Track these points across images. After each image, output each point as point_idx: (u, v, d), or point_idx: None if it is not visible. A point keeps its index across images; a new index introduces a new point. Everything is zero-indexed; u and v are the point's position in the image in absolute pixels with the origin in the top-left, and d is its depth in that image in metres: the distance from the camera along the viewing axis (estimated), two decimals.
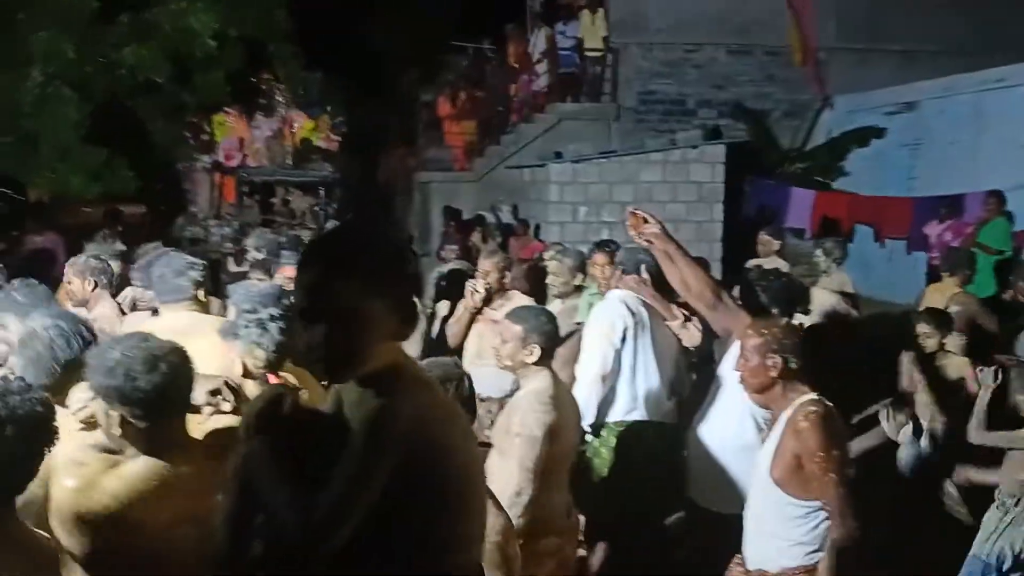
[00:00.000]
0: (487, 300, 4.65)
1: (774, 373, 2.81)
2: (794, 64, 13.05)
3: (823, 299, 5.04)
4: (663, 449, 3.70)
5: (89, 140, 9.88)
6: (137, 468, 2.00)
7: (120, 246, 6.31)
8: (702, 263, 3.53)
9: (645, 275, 3.91)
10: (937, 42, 13.22)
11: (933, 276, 6.98)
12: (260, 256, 5.89)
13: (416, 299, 1.79)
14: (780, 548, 2.77)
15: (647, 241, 3.48)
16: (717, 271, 9.65)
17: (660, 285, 3.86)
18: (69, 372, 2.26)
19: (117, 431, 1.98)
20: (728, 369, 3.41)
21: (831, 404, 2.77)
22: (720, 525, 3.24)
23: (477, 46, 15.85)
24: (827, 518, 2.69)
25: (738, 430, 3.32)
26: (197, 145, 13.96)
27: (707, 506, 3.36)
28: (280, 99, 14.77)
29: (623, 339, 3.77)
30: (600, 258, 4.79)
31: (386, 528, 1.57)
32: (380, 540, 1.58)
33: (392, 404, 1.58)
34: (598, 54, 13.01)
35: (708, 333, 3.84)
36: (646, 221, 3.44)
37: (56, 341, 2.29)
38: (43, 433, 1.79)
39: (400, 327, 1.66)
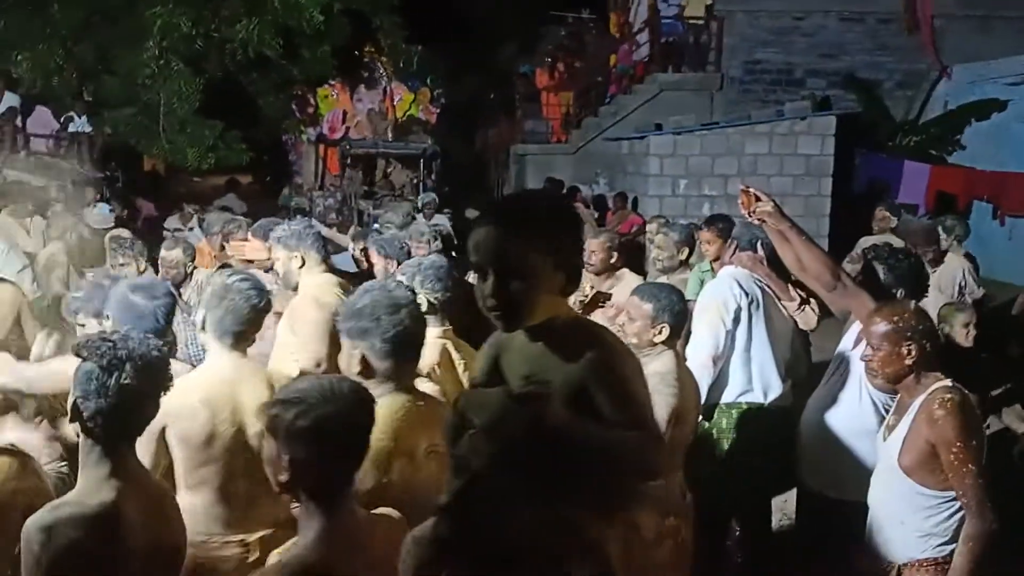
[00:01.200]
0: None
1: (910, 360, 2.68)
2: (909, 34, 12.45)
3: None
4: (777, 432, 3.63)
5: (203, 113, 10.27)
6: (383, 402, 2.12)
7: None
8: (813, 242, 3.40)
9: (761, 252, 3.82)
10: None
11: None
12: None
13: (578, 264, 1.91)
14: (908, 539, 2.68)
15: (759, 220, 3.39)
16: (825, 246, 9.39)
17: (774, 265, 3.76)
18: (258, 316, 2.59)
19: (357, 368, 2.15)
20: (846, 351, 3.33)
21: (966, 391, 2.65)
22: (833, 510, 3.18)
23: (577, 15, 15.69)
24: (960, 509, 2.58)
25: (856, 413, 3.23)
26: (303, 118, 14.32)
27: (820, 490, 3.30)
28: (382, 72, 15.00)
29: (736, 319, 3.69)
30: (707, 235, 4.70)
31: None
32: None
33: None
34: (701, 22, 12.71)
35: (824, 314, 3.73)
36: (758, 199, 3.34)
37: (249, 292, 2.55)
38: (159, 376, 1.93)
39: (566, 285, 1.83)
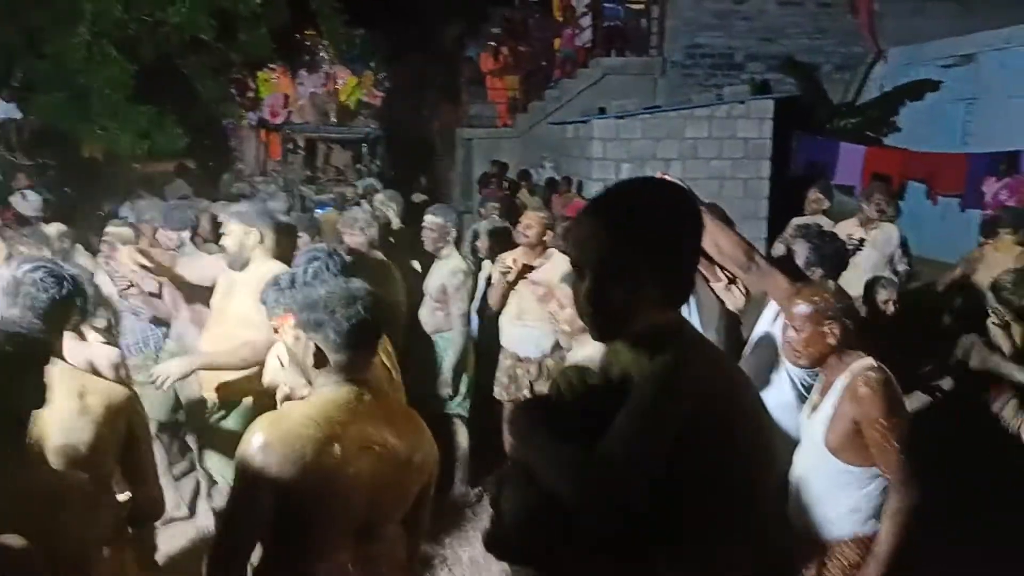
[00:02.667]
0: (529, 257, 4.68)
1: (832, 340, 2.72)
2: (847, 17, 12.64)
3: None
4: None
5: (137, 98, 10.03)
6: (326, 393, 2.12)
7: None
8: (728, 223, 3.44)
9: None
10: None
11: (987, 235, 6.80)
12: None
13: (687, 273, 1.62)
14: (833, 516, 2.72)
15: None
16: (763, 229, 9.54)
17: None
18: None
19: (311, 360, 2.11)
20: (764, 329, 3.38)
21: (887, 369, 2.69)
22: None
23: None
24: (884, 486, 2.63)
25: (776, 390, 3.29)
26: (243, 102, 14.07)
27: None
28: (324, 55, 14.79)
29: None
30: None
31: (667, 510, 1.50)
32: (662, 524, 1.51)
33: (679, 358, 1.53)
34: (643, 6, 12.76)
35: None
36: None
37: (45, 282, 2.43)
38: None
39: (663, 295, 1.58)
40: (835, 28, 13.04)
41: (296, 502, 1.99)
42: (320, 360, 2.11)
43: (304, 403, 2.14)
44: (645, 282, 1.55)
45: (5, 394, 1.85)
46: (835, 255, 3.57)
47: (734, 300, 3.99)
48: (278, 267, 3.62)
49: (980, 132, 10.65)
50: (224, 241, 3.85)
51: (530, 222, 4.80)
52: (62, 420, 2.27)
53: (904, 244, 5.99)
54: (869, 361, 2.69)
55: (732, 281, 3.95)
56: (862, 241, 5.61)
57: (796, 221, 6.19)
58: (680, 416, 1.48)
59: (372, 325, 2.14)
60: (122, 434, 2.40)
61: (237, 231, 3.78)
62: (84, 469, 2.19)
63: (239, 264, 3.79)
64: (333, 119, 14.52)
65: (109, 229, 4.61)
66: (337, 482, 2.03)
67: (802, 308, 2.77)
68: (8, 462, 1.85)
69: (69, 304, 2.49)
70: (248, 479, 1.98)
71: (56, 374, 2.12)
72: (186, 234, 4.55)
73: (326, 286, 2.19)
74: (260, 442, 1.99)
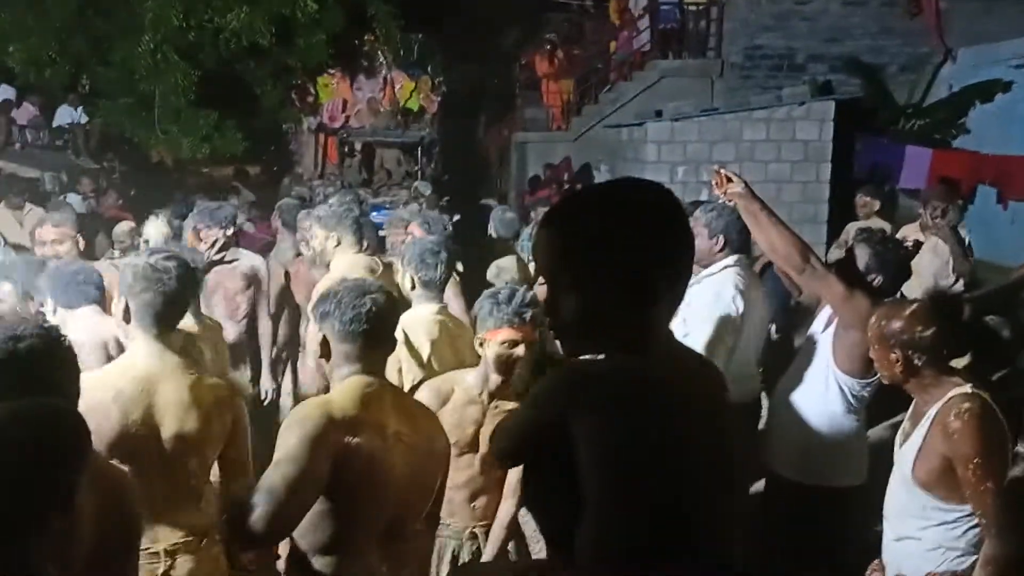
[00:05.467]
0: None
1: (899, 368, 2.55)
2: (913, 16, 12.30)
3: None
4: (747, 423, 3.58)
5: (199, 103, 10.24)
6: (349, 384, 2.19)
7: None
8: (784, 225, 3.32)
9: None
10: None
11: None
12: None
13: (660, 281, 1.43)
14: (923, 552, 2.54)
15: (731, 201, 3.35)
16: (823, 233, 9.30)
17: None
18: None
19: (317, 349, 2.23)
20: (815, 333, 3.28)
21: (989, 399, 2.46)
22: (801, 496, 3.13)
23: (578, 2, 15.58)
24: (979, 524, 2.43)
25: (823, 398, 3.18)
26: (303, 107, 14.28)
27: (789, 476, 3.25)
28: (382, 61, 14.94)
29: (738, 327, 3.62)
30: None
31: None
32: None
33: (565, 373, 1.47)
34: (701, 7, 12.58)
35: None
36: (730, 180, 3.29)
37: (173, 273, 2.59)
38: None
39: (631, 304, 1.42)
40: (901, 28, 12.66)
41: (337, 487, 2.02)
42: (325, 350, 2.17)
43: (339, 390, 2.19)
44: (606, 291, 1.41)
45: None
46: (897, 263, 3.41)
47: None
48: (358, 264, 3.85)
49: None
50: (312, 243, 4.28)
51: None
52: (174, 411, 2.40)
53: (964, 245, 5.77)
54: (964, 389, 2.47)
55: None
56: (917, 244, 5.41)
57: (854, 225, 6.01)
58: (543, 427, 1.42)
59: (380, 320, 2.18)
60: (227, 428, 2.51)
61: (320, 236, 4.14)
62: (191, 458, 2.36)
63: (322, 264, 4.18)
64: (389, 123, 14.65)
65: (147, 226, 4.79)
66: (376, 468, 2.08)
67: (874, 327, 2.61)
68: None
69: (191, 289, 2.67)
70: (308, 442, 2.00)
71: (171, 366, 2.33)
72: (228, 231, 4.67)
73: (344, 282, 2.28)
74: (306, 423, 2.04)
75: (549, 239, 1.47)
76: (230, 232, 4.60)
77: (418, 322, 3.31)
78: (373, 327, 2.18)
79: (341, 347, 2.18)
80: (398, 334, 3.23)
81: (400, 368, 3.16)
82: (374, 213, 9.60)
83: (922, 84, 12.43)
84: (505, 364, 2.79)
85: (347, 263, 3.96)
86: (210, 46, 10.00)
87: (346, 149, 14.15)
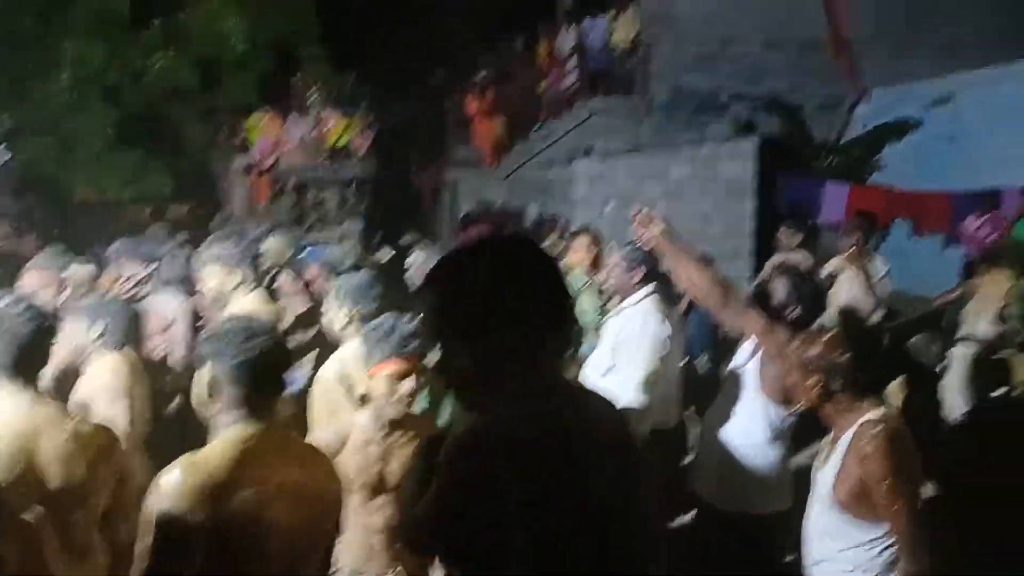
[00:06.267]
0: None
1: (817, 393, 2.66)
2: (830, 59, 12.82)
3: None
4: (672, 450, 3.65)
5: (123, 144, 10.08)
6: (233, 433, 2.09)
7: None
8: (707, 260, 3.45)
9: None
10: (977, 33, 12.93)
11: (969, 272, 6.84)
12: None
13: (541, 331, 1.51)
14: (841, 574, 2.62)
15: (652, 241, 3.43)
16: (747, 267, 9.55)
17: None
18: None
19: (206, 391, 2.12)
20: (739, 365, 3.36)
21: (899, 420, 2.58)
22: (729, 523, 3.19)
23: (507, 43, 15.82)
24: (895, 543, 2.52)
25: (749, 428, 3.26)
26: (231, 146, 14.14)
27: (717, 504, 3.31)
28: (314, 99, 14.89)
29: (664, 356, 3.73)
30: (582, 241, 4.85)
31: None
32: None
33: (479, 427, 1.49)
34: (628, 49, 12.91)
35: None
36: (650, 221, 3.38)
37: (24, 315, 2.49)
38: None
39: (516, 352, 1.49)
40: (818, 69, 13.15)
41: (217, 550, 1.91)
42: (214, 392, 2.09)
43: (214, 446, 2.09)
44: (490, 346, 1.47)
45: None
46: (813, 295, 3.55)
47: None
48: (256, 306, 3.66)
49: (962, 170, 10.71)
50: (209, 284, 3.90)
51: None
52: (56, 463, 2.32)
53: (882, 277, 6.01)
54: (875, 413, 2.59)
55: None
56: (832, 276, 5.62)
57: (774, 260, 6.20)
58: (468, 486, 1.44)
59: (269, 362, 2.12)
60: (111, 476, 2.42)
61: (218, 274, 3.84)
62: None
63: (221, 304, 3.85)
64: (322, 162, 14.58)
65: (72, 269, 4.61)
66: (258, 524, 1.98)
67: (794, 355, 2.72)
68: None
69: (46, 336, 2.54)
70: (169, 528, 1.89)
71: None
72: (149, 268, 4.57)
73: (232, 321, 2.20)
74: (177, 489, 1.92)
75: (431, 301, 1.54)
76: (151, 269, 4.51)
77: (359, 359, 3.26)
78: (262, 369, 2.11)
79: (229, 389, 2.10)
80: (333, 374, 3.20)
81: (333, 409, 3.09)
82: (307, 251, 9.51)
83: (839, 123, 12.95)
84: (396, 399, 2.71)
85: (249, 302, 3.80)
86: (133, 87, 9.87)
87: (278, 188, 14.01)
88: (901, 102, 12.23)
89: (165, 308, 4.31)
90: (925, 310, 6.80)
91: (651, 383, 3.56)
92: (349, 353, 3.21)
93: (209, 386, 2.10)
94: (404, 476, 2.66)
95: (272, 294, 5.28)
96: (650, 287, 3.82)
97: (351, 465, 2.65)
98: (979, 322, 5.40)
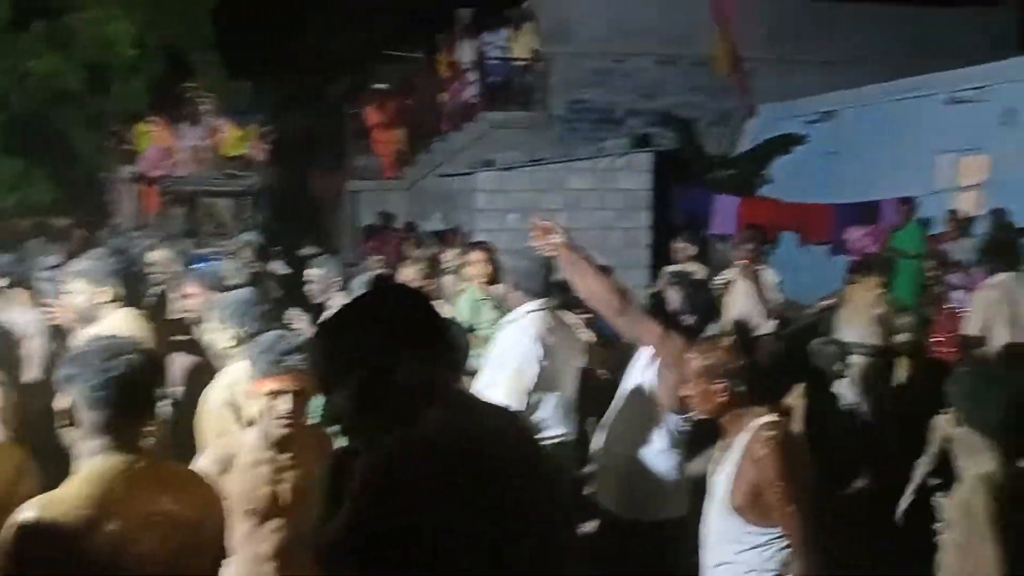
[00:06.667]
0: None
1: (722, 399, 2.71)
2: (717, 75, 13.32)
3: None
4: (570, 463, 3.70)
5: (4, 150, 9.58)
6: (95, 465, 1.96)
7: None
8: (606, 270, 3.51)
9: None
10: (857, 52, 13.67)
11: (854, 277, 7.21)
12: None
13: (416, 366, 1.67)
14: (739, 574, 2.66)
15: (552, 251, 3.47)
16: (645, 277, 9.77)
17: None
18: None
19: (64, 419, 1.98)
20: (635, 376, 3.44)
21: (791, 424, 2.72)
22: (630, 531, 3.26)
23: (407, 55, 15.80)
24: (789, 545, 2.58)
25: (646, 436, 3.33)
26: (120, 155, 13.60)
27: (617, 512, 3.37)
28: (207, 108, 14.47)
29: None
30: (478, 255, 4.89)
31: None
32: None
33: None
34: (527, 63, 13.07)
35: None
36: (550, 231, 3.42)
37: None
38: None
39: (405, 384, 1.64)
40: (709, 85, 13.67)
41: None
42: (73, 419, 1.95)
43: (74, 480, 1.95)
44: (382, 383, 1.62)
45: None
46: (705, 304, 3.66)
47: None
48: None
49: (844, 183, 11.28)
50: (75, 301, 3.59)
51: (410, 275, 4.86)
52: None
53: (774, 286, 6.25)
54: (767, 419, 2.66)
55: None
56: (726, 286, 5.82)
57: (669, 270, 6.37)
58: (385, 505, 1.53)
59: (134, 385, 1.97)
60: None
61: (86, 290, 3.54)
62: None
63: (87, 322, 3.54)
64: (216, 172, 14.17)
65: None
66: (125, 560, 1.87)
67: (694, 362, 2.77)
68: None
69: None
70: (19, 571, 1.78)
71: None
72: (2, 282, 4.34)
73: (93, 342, 2.07)
74: (31, 528, 1.80)
75: (320, 353, 1.70)
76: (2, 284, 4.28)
77: (247, 380, 3.04)
78: (125, 393, 1.95)
79: (89, 416, 1.94)
80: (220, 400, 3.06)
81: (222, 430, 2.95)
82: (201, 264, 9.23)
83: (729, 137, 13.45)
84: (277, 416, 2.58)
85: (119, 320, 3.51)
86: (16, 91, 9.40)
87: (169, 199, 13.53)
88: (787, 118, 12.81)
89: (20, 323, 3.99)
90: (812, 318, 7.10)
91: (516, 401, 3.56)
92: (236, 375, 3.02)
93: (68, 412, 1.95)
94: (299, 498, 2.58)
95: (160, 309, 5.10)
96: (533, 304, 3.85)
97: (238, 489, 2.52)
98: (850, 328, 5.67)
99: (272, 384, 2.58)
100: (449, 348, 1.78)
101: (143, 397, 2.03)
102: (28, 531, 1.80)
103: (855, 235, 9.71)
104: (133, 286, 3.79)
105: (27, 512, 1.84)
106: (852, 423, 5.17)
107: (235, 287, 4.25)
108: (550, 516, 1.68)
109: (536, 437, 1.83)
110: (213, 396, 3.09)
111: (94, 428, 1.95)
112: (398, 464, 1.55)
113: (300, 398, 2.61)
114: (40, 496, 1.92)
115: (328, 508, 1.67)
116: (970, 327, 5.14)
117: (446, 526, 1.50)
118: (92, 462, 1.94)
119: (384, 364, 1.62)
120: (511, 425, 1.78)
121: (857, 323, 5.69)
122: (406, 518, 1.50)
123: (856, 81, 12.07)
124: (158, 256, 6.09)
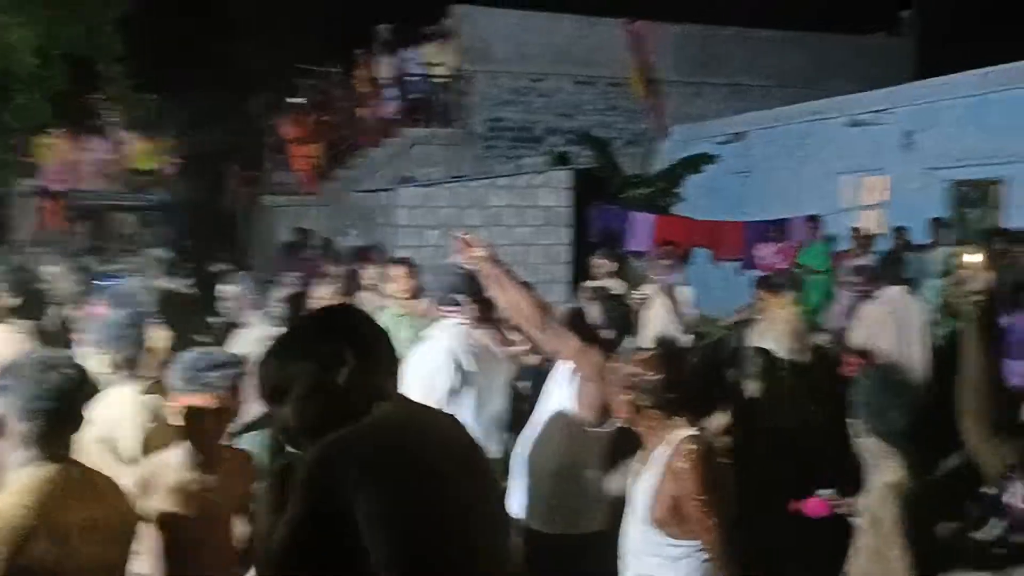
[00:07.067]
0: None
1: (630, 410, 2.73)
2: (634, 97, 13.64)
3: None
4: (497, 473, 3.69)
5: None
6: (31, 475, 1.96)
7: None
8: (527, 286, 3.53)
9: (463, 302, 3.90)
10: (765, 76, 14.20)
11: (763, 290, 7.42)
12: None
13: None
14: None
15: (474, 265, 3.48)
16: (564, 293, 9.87)
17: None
18: None
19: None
20: (553, 388, 3.45)
21: (712, 438, 2.70)
22: (551, 545, 3.26)
23: (325, 70, 15.63)
24: (709, 558, 2.59)
25: (565, 448, 3.34)
26: (21, 168, 13.04)
27: (537, 527, 3.37)
28: (114, 120, 14.04)
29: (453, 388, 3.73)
30: (399, 271, 4.87)
31: None
32: None
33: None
34: (447, 80, 13.11)
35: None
36: (472, 245, 3.42)
37: None
38: None
39: (345, 398, 1.71)
40: (624, 106, 14.00)
41: None
42: (2, 428, 1.98)
43: (11, 491, 1.94)
44: (325, 398, 1.69)
45: None
46: (621, 318, 3.72)
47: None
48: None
49: (754, 201, 11.65)
50: None
51: (324, 295, 4.88)
52: None
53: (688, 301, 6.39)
54: (686, 432, 2.66)
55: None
56: (642, 301, 5.92)
57: (587, 285, 6.44)
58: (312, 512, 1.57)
59: (67, 397, 2.02)
60: None
61: None
62: None
63: None
64: (124, 187, 13.75)
65: None
66: (63, 572, 1.89)
67: (615, 373, 2.81)
68: None
69: None
70: None
71: None
72: None
73: (29, 356, 2.10)
74: None
75: (266, 375, 1.74)
76: None
77: (124, 407, 2.94)
78: (59, 405, 1.99)
79: (21, 427, 1.97)
80: (91, 436, 2.90)
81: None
82: (106, 281, 8.90)
83: (644, 157, 13.77)
84: (192, 435, 2.52)
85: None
86: None
87: (73, 214, 13.07)
88: (699, 139, 13.18)
89: None
90: (725, 332, 7.28)
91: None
92: (110, 408, 2.87)
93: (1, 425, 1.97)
94: (222, 519, 2.54)
95: (64, 328, 4.88)
96: (452, 320, 3.84)
97: (161, 510, 2.45)
98: (764, 343, 5.82)
99: (187, 400, 2.52)
100: (390, 357, 1.84)
101: (74, 408, 2.06)
102: None
103: (765, 251, 10.01)
104: (31, 302, 3.63)
105: None
106: (775, 435, 5.29)
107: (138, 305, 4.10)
108: (491, 513, 1.71)
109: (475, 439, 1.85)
110: (86, 434, 2.93)
111: (25, 440, 1.97)
112: (333, 453, 1.59)
113: (221, 416, 2.55)
114: None
115: (272, 521, 1.66)
116: (853, 338, 5.33)
117: (383, 515, 1.52)
118: (26, 472, 1.95)
119: (329, 375, 1.69)
120: (451, 425, 1.86)
121: (772, 337, 5.84)
122: (343, 507, 1.52)
123: (763, 104, 12.53)
124: (52, 274, 5.82)
